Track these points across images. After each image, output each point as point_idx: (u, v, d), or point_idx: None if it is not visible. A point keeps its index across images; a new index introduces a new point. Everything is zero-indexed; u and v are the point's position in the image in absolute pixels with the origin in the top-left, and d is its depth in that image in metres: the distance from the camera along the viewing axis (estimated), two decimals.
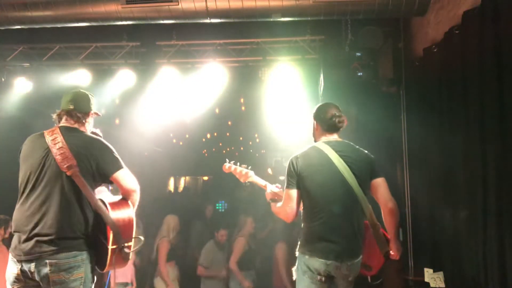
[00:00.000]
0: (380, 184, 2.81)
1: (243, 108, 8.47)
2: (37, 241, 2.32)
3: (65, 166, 2.40)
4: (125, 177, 2.57)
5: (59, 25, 4.91)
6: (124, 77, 5.93)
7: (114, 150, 2.61)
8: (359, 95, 4.84)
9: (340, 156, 2.74)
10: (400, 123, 4.69)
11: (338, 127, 2.86)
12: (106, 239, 2.42)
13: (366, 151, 2.89)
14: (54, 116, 2.72)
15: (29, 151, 2.56)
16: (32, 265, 2.31)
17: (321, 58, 5.61)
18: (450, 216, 3.54)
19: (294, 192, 2.74)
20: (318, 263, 2.65)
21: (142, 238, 2.61)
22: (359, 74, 4.93)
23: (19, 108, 6.12)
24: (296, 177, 2.74)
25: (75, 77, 5.89)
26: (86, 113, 2.71)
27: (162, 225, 5.60)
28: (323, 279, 2.66)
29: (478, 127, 3.05)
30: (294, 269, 2.84)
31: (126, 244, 2.45)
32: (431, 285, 3.56)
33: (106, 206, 2.47)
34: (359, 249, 2.76)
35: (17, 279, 2.38)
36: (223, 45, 6.00)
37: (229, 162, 3.31)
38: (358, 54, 5.01)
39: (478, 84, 3.08)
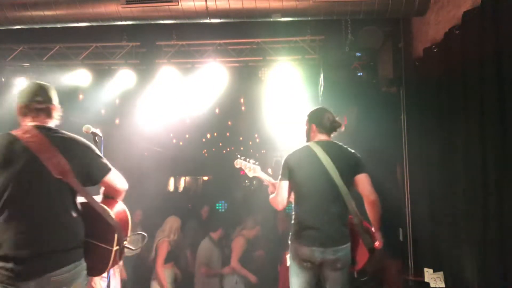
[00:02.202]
0: (362, 179, 3.09)
1: (243, 108, 8.46)
2: (40, 259, 2.14)
3: (59, 172, 2.20)
4: (116, 178, 2.46)
5: (59, 25, 4.91)
6: (124, 77, 5.93)
7: (96, 149, 2.44)
8: (359, 95, 4.85)
9: (327, 154, 3.07)
10: (400, 123, 4.69)
11: (334, 130, 3.24)
12: (108, 241, 2.33)
13: (352, 150, 3.18)
14: (19, 111, 2.44)
15: (4, 157, 2.21)
16: (32, 285, 2.11)
17: (321, 58, 5.62)
18: (450, 216, 3.54)
19: (285, 183, 3.12)
20: (304, 249, 2.98)
21: (145, 234, 2.64)
22: (359, 74, 4.94)
23: None
24: (288, 170, 3.12)
25: (75, 77, 5.88)
26: (52, 107, 2.42)
27: (163, 225, 5.43)
28: (309, 265, 2.97)
29: (478, 127, 3.05)
30: (288, 256, 3.14)
31: (126, 242, 2.42)
32: (431, 285, 3.57)
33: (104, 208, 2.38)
34: (344, 237, 3.02)
35: None
36: (223, 45, 6.01)
37: (240, 158, 3.73)
38: (358, 54, 5.03)
39: (478, 84, 3.08)
